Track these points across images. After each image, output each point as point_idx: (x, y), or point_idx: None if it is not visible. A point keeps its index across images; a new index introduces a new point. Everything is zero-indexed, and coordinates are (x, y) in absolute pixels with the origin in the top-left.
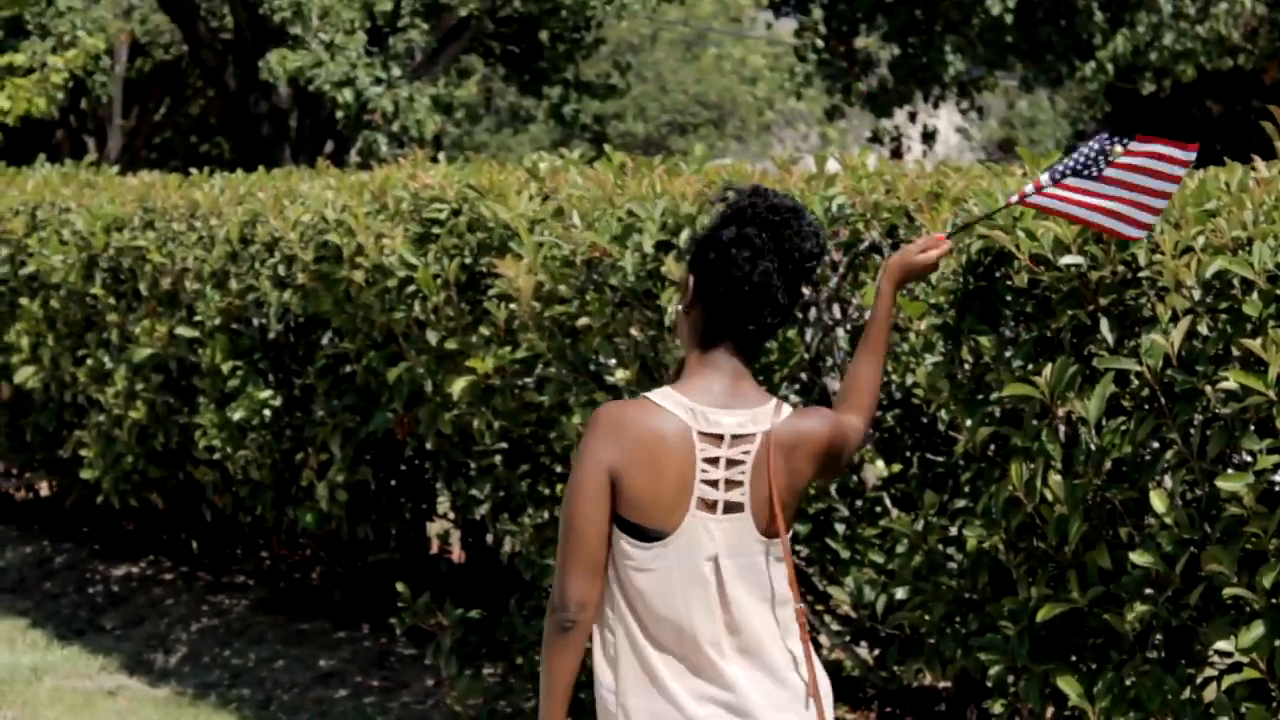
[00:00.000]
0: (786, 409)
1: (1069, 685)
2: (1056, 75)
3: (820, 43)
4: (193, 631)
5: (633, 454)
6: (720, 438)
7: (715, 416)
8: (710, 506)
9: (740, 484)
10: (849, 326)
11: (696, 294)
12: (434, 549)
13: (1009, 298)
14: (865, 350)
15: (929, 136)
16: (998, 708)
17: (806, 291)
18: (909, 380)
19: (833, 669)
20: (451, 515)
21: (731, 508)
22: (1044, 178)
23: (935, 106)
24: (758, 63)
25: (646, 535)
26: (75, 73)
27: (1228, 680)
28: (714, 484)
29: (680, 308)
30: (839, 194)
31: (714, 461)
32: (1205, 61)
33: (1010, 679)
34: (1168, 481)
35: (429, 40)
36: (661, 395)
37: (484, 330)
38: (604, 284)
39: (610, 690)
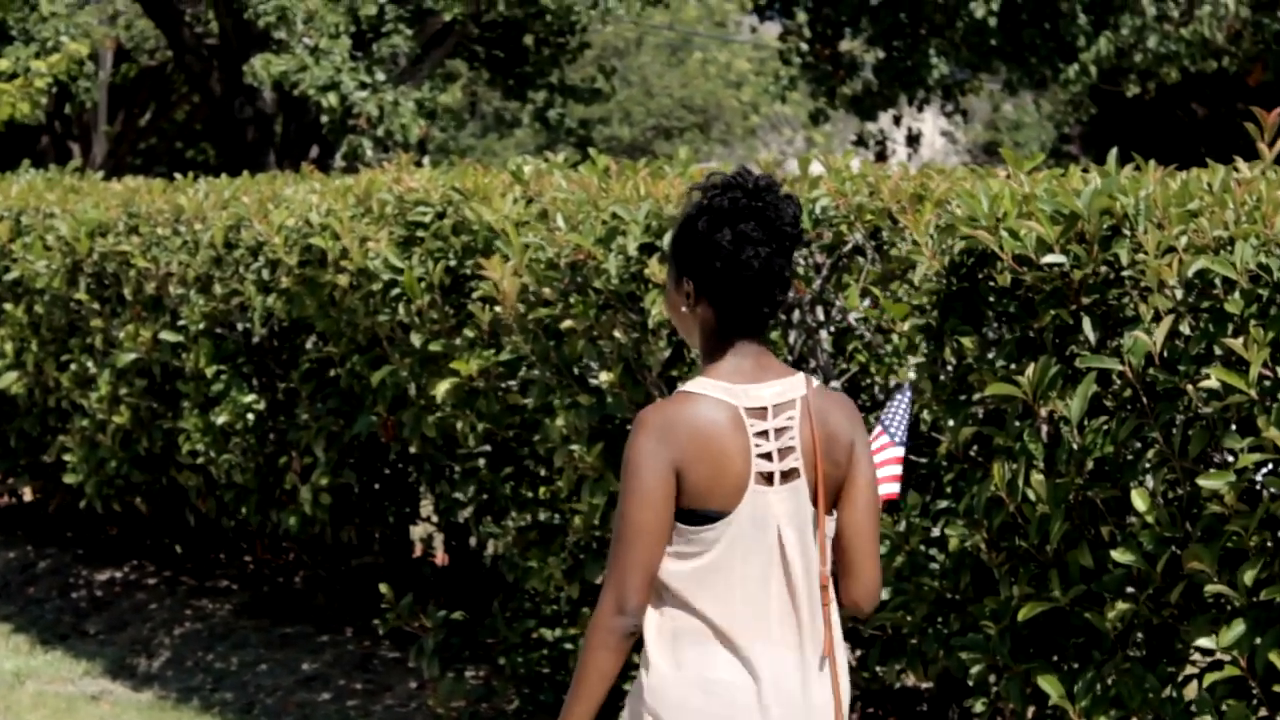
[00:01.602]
0: (814, 379)
1: (1050, 685)
2: (1040, 78)
3: (805, 46)
4: (176, 636)
5: (688, 448)
6: (764, 410)
7: (755, 391)
8: (768, 479)
9: (793, 449)
10: (832, 329)
11: (700, 293)
12: (417, 552)
13: (991, 298)
14: None
15: (913, 139)
16: (979, 707)
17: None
18: (892, 381)
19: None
20: (435, 518)
21: (788, 476)
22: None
23: (920, 110)
24: (743, 67)
25: (708, 518)
26: (59, 78)
27: (1209, 678)
28: (768, 456)
29: (683, 309)
30: (822, 196)
31: (764, 435)
32: (1189, 64)
33: (992, 678)
34: (1149, 480)
35: (413, 45)
36: (698, 385)
37: (468, 333)
38: (588, 286)
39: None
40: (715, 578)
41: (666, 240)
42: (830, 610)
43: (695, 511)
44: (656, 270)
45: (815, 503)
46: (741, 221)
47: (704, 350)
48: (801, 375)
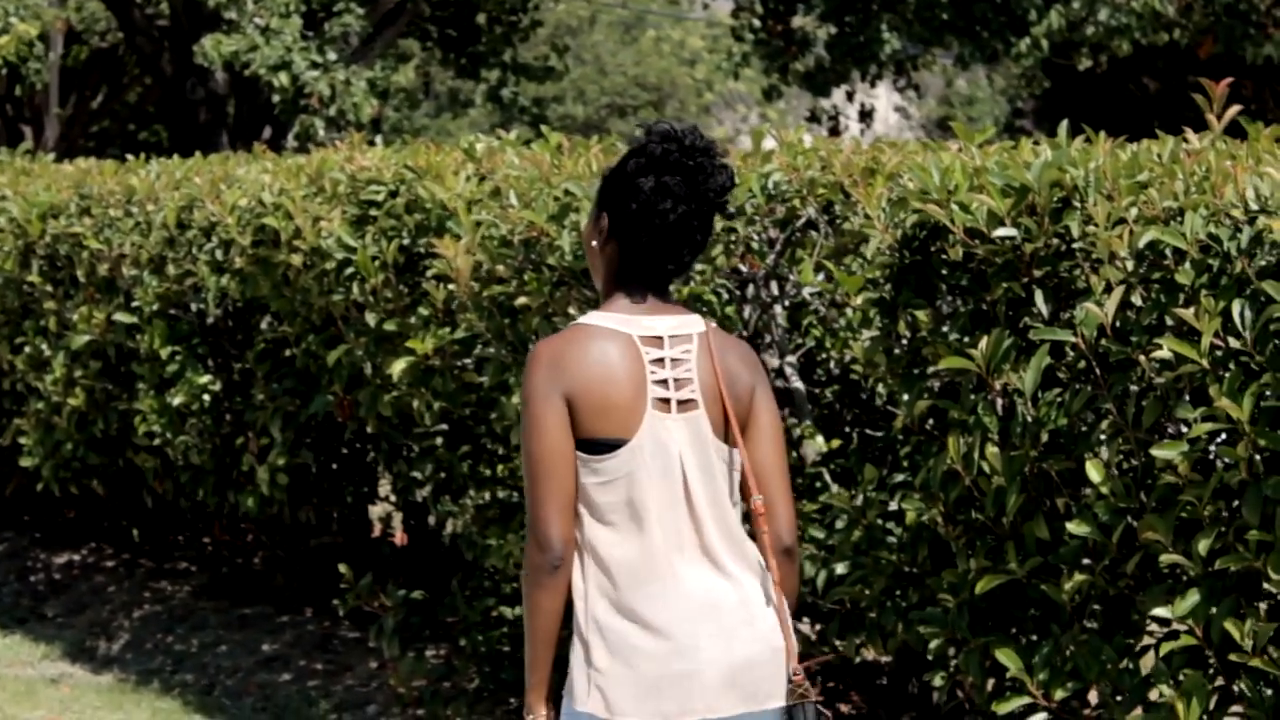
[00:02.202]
0: (712, 322)
1: (1008, 657)
2: (993, 52)
3: (757, 23)
4: (135, 618)
5: (579, 375)
6: (659, 339)
7: (648, 321)
8: (665, 405)
9: (690, 381)
10: (786, 303)
11: (612, 232)
12: (376, 532)
13: (944, 271)
14: None
15: (866, 115)
16: (938, 681)
17: (718, 225)
18: (847, 355)
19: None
20: (393, 497)
21: (685, 405)
22: None
23: (872, 85)
24: (696, 44)
25: (608, 446)
26: (8, 59)
27: (1165, 647)
28: (664, 383)
29: (594, 243)
30: (775, 171)
31: (659, 362)
32: (1140, 37)
33: (951, 652)
34: (1104, 451)
35: (365, 24)
36: (590, 318)
37: (423, 311)
38: (542, 263)
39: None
40: (620, 513)
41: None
42: (767, 540)
43: (594, 440)
44: None
45: (725, 437)
46: (668, 173)
47: (604, 288)
48: (698, 316)
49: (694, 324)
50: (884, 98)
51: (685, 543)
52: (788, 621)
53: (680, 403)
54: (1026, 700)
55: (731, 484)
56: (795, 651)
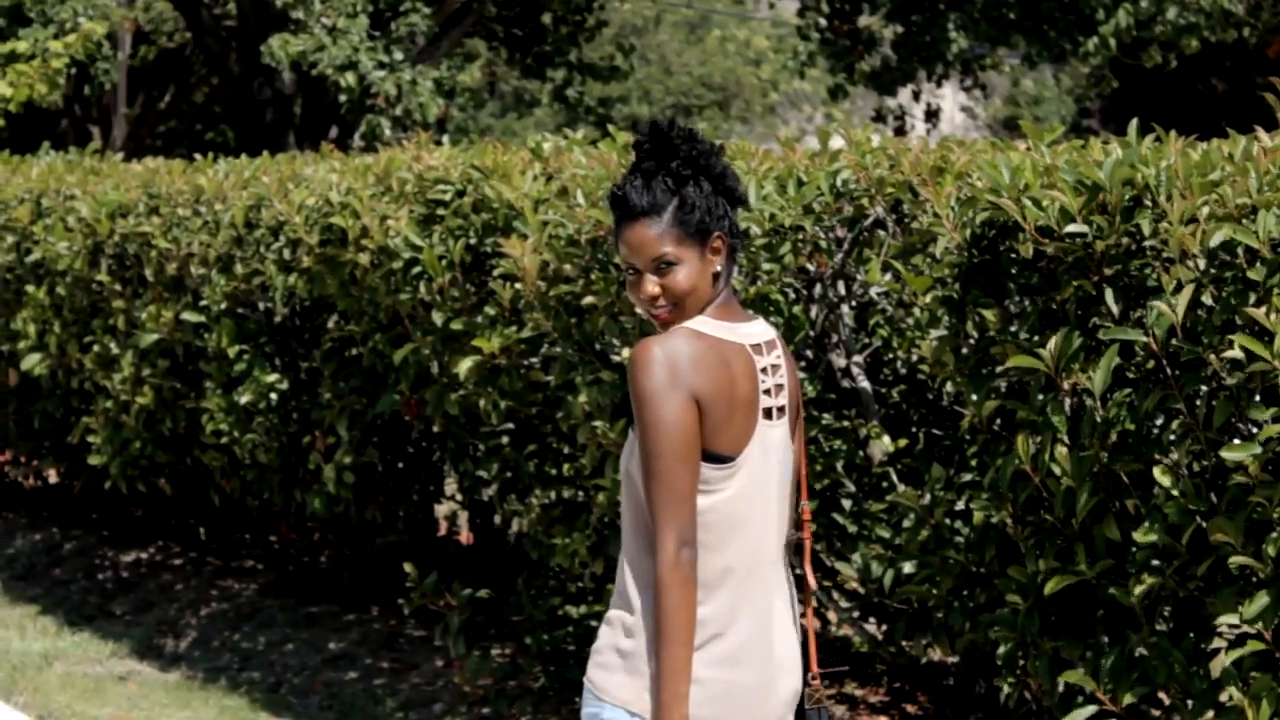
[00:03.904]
0: None
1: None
2: (1060, 51)
3: (823, 22)
4: (202, 616)
5: (706, 382)
6: (760, 347)
7: (746, 329)
8: (768, 414)
9: (783, 386)
10: (853, 303)
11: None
12: (442, 530)
13: (1013, 270)
14: None
15: (932, 115)
16: (1006, 686)
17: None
18: (914, 355)
19: (841, 644)
20: (459, 496)
21: (781, 411)
22: None
23: (938, 85)
24: (762, 44)
25: (723, 459)
26: (77, 59)
27: (1235, 652)
28: (769, 392)
29: (717, 269)
30: (843, 169)
31: (765, 371)
32: (1209, 35)
33: (1019, 654)
34: (1174, 453)
35: (431, 24)
36: (699, 324)
37: (489, 310)
38: (609, 263)
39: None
40: (730, 520)
41: (667, 218)
42: (808, 545)
43: (708, 452)
44: None
45: (793, 437)
46: (726, 181)
47: (695, 305)
48: (758, 316)
49: (766, 327)
50: (950, 98)
51: (768, 556)
52: (812, 625)
53: (779, 409)
54: (1094, 708)
55: (803, 486)
56: (815, 656)
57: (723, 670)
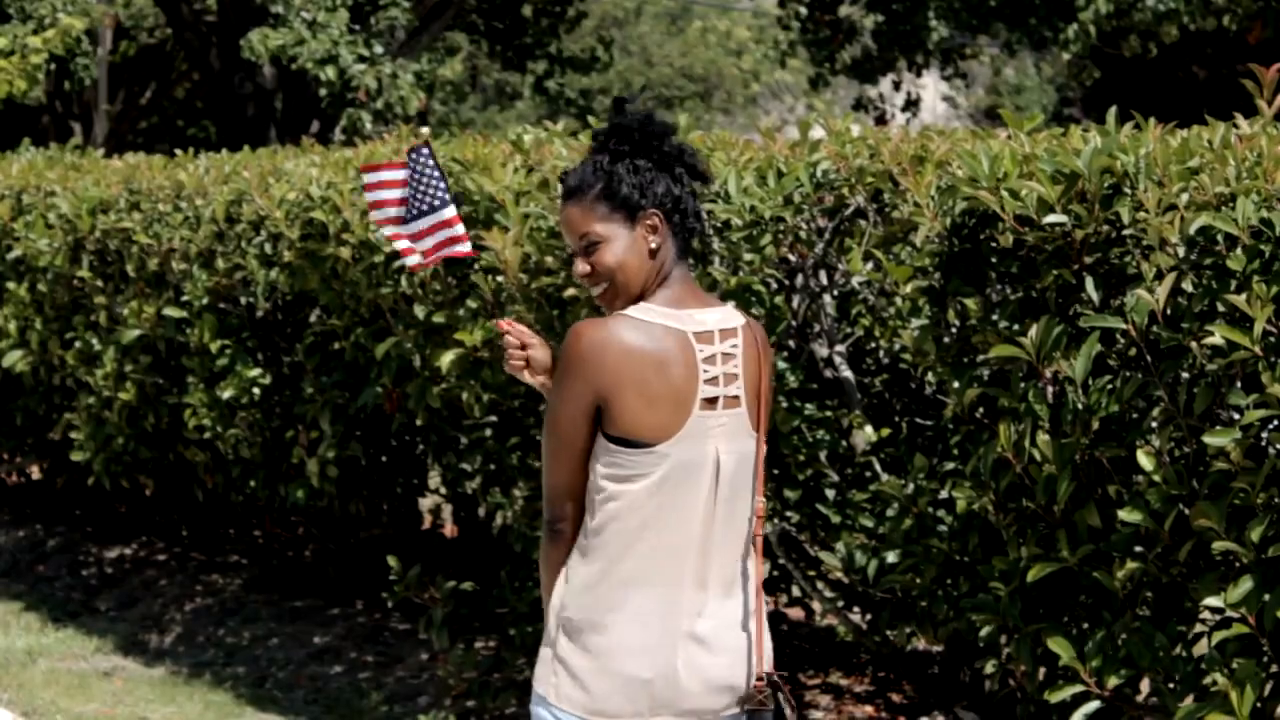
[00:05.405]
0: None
1: (1060, 646)
2: (1040, 39)
3: (803, 11)
4: (186, 611)
5: (622, 373)
6: (711, 334)
7: (700, 316)
8: (712, 403)
9: (736, 377)
10: (835, 293)
11: (665, 226)
12: (426, 524)
13: (994, 259)
14: None
15: (911, 104)
16: (990, 668)
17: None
18: (896, 344)
19: (825, 634)
20: (442, 490)
21: (731, 401)
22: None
23: (919, 75)
24: (743, 35)
25: (643, 445)
26: (57, 55)
27: (1218, 635)
28: (714, 381)
29: (652, 246)
30: (823, 159)
31: (712, 360)
32: (1189, 22)
33: (1002, 640)
34: (1155, 439)
35: (411, 18)
36: (641, 311)
37: (471, 303)
38: None
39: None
40: (645, 508)
41: (591, 196)
42: (759, 542)
43: (630, 440)
44: None
45: (755, 428)
46: (678, 165)
47: (631, 284)
48: (732, 305)
49: (734, 316)
50: (931, 87)
51: (693, 550)
52: (764, 626)
53: (726, 399)
54: (1079, 689)
55: (759, 478)
56: (767, 657)
57: (610, 659)
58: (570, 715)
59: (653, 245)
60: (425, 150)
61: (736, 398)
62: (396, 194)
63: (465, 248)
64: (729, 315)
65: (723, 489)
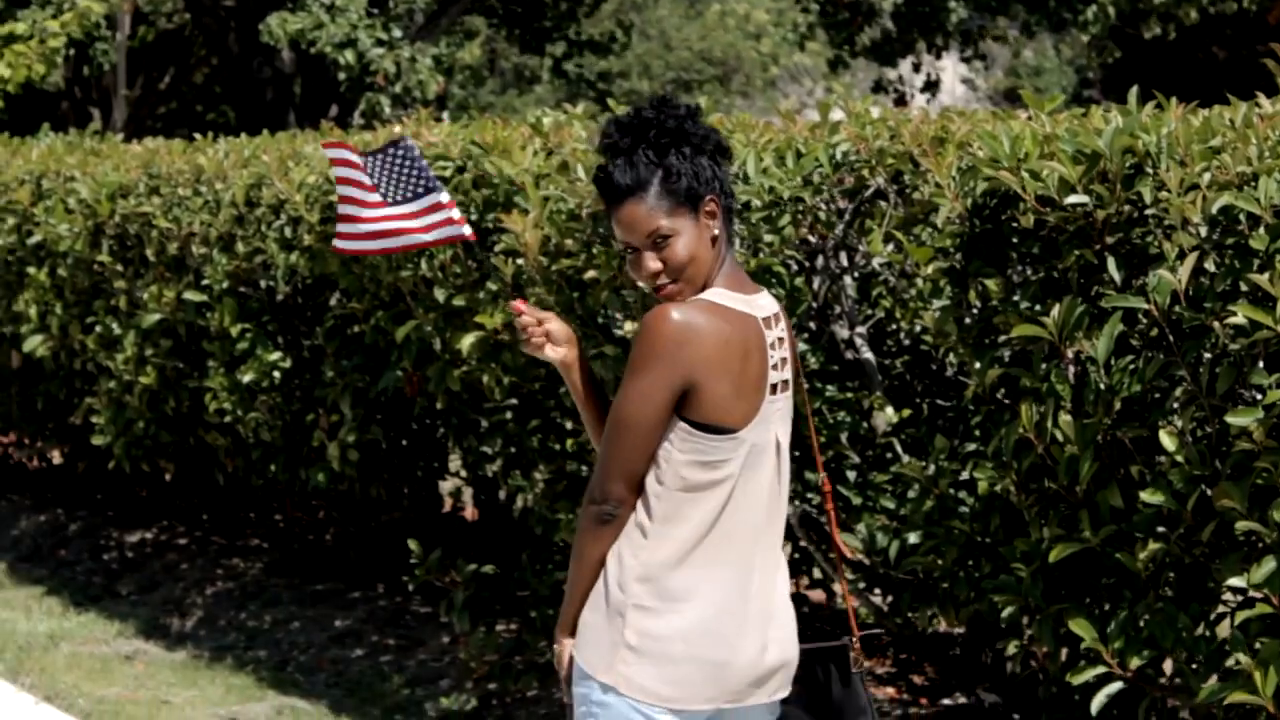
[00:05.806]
0: None
1: (1082, 628)
2: (1059, 20)
3: None
4: (208, 595)
5: (714, 361)
6: (769, 320)
7: (759, 301)
8: (774, 388)
9: (787, 361)
10: (856, 274)
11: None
12: (446, 507)
13: (1015, 239)
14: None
15: (931, 85)
16: (1011, 649)
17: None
18: (917, 326)
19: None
20: (463, 473)
21: (784, 386)
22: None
23: (938, 57)
24: (761, 18)
25: (727, 431)
26: (75, 38)
27: (1240, 616)
28: (777, 366)
29: (715, 233)
30: (843, 141)
31: (773, 345)
32: (1208, 4)
33: (1024, 620)
34: (1177, 419)
35: (429, 1)
36: (716, 295)
37: (491, 286)
38: (610, 237)
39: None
40: (729, 496)
41: (654, 191)
42: (832, 517)
43: (711, 425)
44: None
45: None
46: (711, 143)
47: (700, 274)
48: (763, 287)
49: (774, 301)
50: (951, 69)
51: (759, 533)
52: (846, 591)
53: (783, 383)
54: (1101, 670)
55: (816, 454)
56: (854, 625)
57: (690, 644)
58: (652, 707)
59: (715, 232)
60: (408, 142)
61: (788, 381)
62: (358, 175)
63: (465, 230)
64: (772, 300)
65: (782, 471)
